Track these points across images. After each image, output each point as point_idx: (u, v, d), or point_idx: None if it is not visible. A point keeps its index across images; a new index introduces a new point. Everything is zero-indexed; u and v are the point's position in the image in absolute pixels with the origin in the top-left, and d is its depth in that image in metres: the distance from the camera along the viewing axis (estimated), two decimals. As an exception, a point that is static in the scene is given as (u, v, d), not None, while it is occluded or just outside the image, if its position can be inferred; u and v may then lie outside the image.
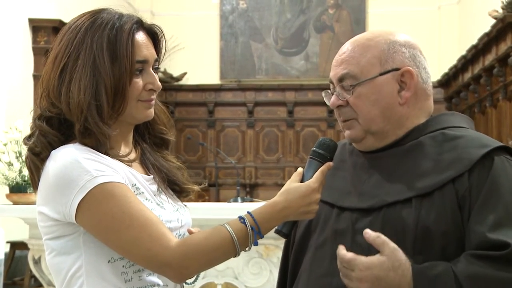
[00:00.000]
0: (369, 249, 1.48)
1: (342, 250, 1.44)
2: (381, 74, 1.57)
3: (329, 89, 1.66)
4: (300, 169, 1.54)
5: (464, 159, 1.49)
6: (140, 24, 1.54)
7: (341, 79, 1.60)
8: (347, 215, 1.58)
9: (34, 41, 7.55)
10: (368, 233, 1.42)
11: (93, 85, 1.46)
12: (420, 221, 1.47)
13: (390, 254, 1.41)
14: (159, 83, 1.55)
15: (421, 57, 1.62)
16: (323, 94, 1.66)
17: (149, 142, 1.65)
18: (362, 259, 1.42)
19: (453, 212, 1.46)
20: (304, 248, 1.67)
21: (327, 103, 1.65)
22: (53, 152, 1.47)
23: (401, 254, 1.42)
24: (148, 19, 1.59)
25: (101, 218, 1.41)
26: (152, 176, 1.59)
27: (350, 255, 1.43)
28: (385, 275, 1.40)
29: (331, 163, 1.54)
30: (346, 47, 1.63)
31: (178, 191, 1.66)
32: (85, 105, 1.45)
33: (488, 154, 1.49)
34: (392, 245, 1.42)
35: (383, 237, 1.42)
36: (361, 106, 1.58)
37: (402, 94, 1.58)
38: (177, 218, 1.56)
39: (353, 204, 1.58)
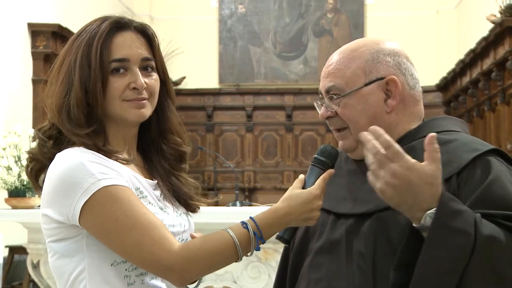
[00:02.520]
0: (364, 256, 1.49)
1: (390, 139, 1.37)
2: (366, 85, 1.59)
3: (320, 100, 1.67)
4: (301, 176, 1.55)
5: (454, 162, 1.50)
6: (125, 24, 1.53)
7: (328, 91, 1.62)
8: (342, 221, 1.60)
9: (33, 45, 7.53)
10: (432, 138, 1.35)
11: (65, 88, 1.49)
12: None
13: (437, 171, 1.35)
14: (141, 81, 1.51)
15: (407, 63, 1.63)
16: (315, 104, 1.68)
17: (167, 157, 1.63)
18: (410, 158, 1.35)
19: None
20: (303, 253, 1.68)
21: (319, 113, 1.67)
22: (57, 154, 1.48)
23: (440, 178, 1.37)
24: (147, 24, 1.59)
25: (104, 221, 1.41)
26: (156, 181, 1.59)
27: (399, 146, 1.37)
28: (420, 184, 1.35)
29: (332, 170, 1.55)
30: (333, 59, 1.64)
31: (185, 206, 1.64)
32: (57, 109, 1.49)
33: (479, 157, 1.49)
34: (440, 166, 1.36)
35: (439, 154, 1.36)
36: (349, 116, 1.60)
37: (388, 103, 1.59)
38: (180, 223, 1.57)
39: (348, 210, 1.60)
